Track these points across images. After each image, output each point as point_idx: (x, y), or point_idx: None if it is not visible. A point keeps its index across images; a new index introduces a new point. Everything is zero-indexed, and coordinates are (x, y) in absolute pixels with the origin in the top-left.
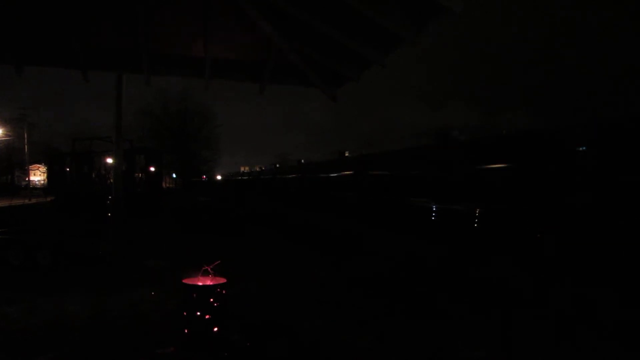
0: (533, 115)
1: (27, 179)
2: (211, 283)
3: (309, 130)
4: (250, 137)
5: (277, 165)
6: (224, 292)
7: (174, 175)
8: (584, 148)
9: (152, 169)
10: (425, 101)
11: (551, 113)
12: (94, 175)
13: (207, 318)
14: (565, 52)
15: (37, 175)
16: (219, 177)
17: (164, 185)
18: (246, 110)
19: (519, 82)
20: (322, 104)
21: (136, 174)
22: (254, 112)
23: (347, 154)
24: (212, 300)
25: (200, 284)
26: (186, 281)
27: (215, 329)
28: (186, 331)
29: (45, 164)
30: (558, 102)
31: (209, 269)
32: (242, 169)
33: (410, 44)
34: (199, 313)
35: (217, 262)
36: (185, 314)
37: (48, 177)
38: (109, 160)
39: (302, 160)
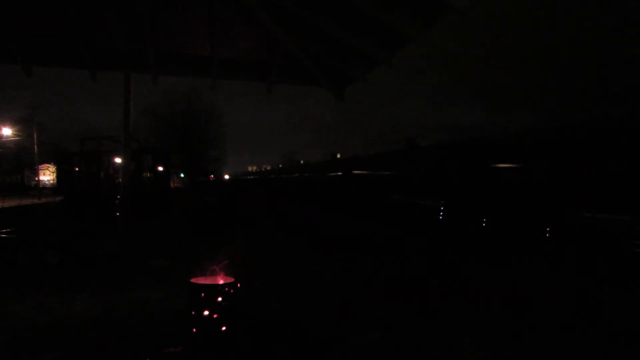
0: (536, 113)
1: (36, 178)
2: (219, 282)
3: (315, 129)
4: (257, 136)
5: (280, 166)
6: (232, 291)
7: (182, 175)
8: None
9: (160, 168)
10: (429, 100)
11: (554, 112)
12: (102, 175)
13: (215, 317)
14: (568, 51)
15: (47, 175)
16: (226, 177)
17: (171, 184)
18: (252, 110)
19: (523, 81)
20: (328, 103)
21: (144, 174)
22: (260, 112)
23: (338, 156)
24: (220, 299)
25: (208, 283)
26: (194, 280)
27: (223, 329)
28: (194, 330)
29: (54, 164)
30: (562, 100)
31: (217, 269)
32: (249, 168)
33: (416, 43)
34: (206, 312)
35: (226, 262)
36: (193, 313)
37: (57, 176)
38: (117, 160)
39: (302, 161)
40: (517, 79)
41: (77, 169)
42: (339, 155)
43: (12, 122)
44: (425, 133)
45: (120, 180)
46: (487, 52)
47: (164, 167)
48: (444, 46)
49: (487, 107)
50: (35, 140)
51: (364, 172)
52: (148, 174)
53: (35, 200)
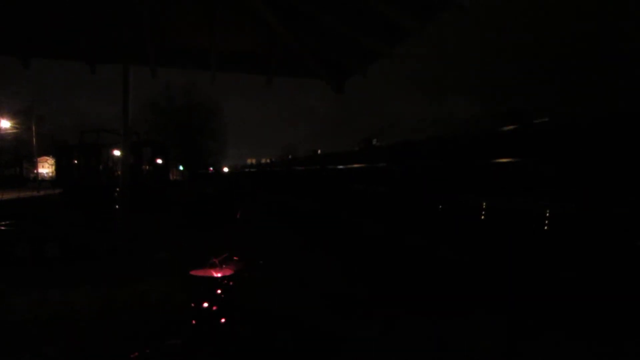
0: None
1: (35, 171)
2: (218, 275)
3: (312, 123)
4: (254, 129)
5: (290, 157)
6: (231, 283)
7: (181, 168)
8: None
9: (159, 161)
10: (426, 94)
11: (550, 106)
12: (101, 168)
13: (215, 310)
14: (567, 45)
15: (45, 168)
16: (225, 170)
17: (171, 177)
18: (249, 103)
19: (520, 75)
20: (326, 96)
21: (143, 167)
22: (257, 105)
23: (375, 142)
24: (219, 291)
25: (207, 275)
26: (193, 273)
27: (223, 321)
28: (194, 323)
29: (53, 157)
30: (557, 95)
31: (216, 261)
32: (249, 161)
33: (417, 36)
34: (206, 305)
35: (225, 255)
36: (192, 305)
37: (56, 169)
38: (116, 153)
39: (319, 151)
40: (513, 74)
41: (76, 161)
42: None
43: (11, 115)
44: (423, 127)
45: (119, 173)
46: (485, 45)
47: (163, 160)
48: (443, 40)
49: (480, 102)
50: (34, 133)
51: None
52: (147, 167)
53: (34, 193)
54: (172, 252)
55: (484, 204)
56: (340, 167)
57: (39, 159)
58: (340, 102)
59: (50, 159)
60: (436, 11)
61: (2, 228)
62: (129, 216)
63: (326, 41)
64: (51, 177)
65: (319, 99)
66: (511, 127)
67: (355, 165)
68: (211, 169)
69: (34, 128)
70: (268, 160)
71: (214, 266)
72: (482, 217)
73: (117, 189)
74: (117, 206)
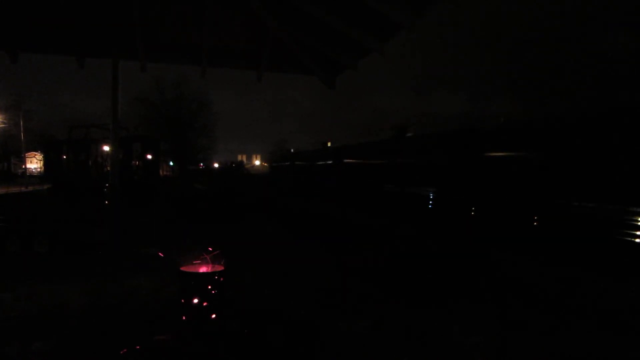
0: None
1: (23, 166)
2: (209, 271)
3: (300, 118)
4: (243, 125)
5: (292, 150)
6: (221, 279)
7: (171, 163)
8: None
9: (149, 156)
10: (413, 88)
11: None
12: (90, 163)
13: (205, 305)
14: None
15: (34, 163)
16: (216, 165)
17: (161, 173)
18: (238, 99)
19: (507, 69)
20: (313, 91)
21: (133, 162)
22: (246, 101)
23: (329, 145)
24: (209, 287)
25: (198, 271)
26: (184, 269)
27: (213, 317)
28: (184, 318)
29: (42, 152)
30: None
31: (207, 257)
32: (239, 157)
33: (408, 31)
34: (196, 300)
35: (216, 252)
36: (182, 301)
37: (44, 165)
38: (106, 148)
39: (292, 150)
40: (500, 68)
41: (64, 157)
42: (329, 144)
43: None
44: (412, 122)
45: (109, 168)
46: (472, 40)
47: (153, 155)
48: (433, 34)
49: (469, 96)
50: (22, 128)
51: None
52: (137, 162)
53: (23, 189)
54: (162, 248)
55: None
56: None
57: (27, 155)
58: (328, 96)
59: (39, 155)
60: (427, 6)
61: None
62: (119, 212)
63: (318, 37)
64: (40, 172)
65: (307, 92)
66: None
67: None
68: (202, 164)
69: (21, 123)
70: (258, 157)
71: (204, 262)
72: None
73: (107, 185)
74: (106, 202)
